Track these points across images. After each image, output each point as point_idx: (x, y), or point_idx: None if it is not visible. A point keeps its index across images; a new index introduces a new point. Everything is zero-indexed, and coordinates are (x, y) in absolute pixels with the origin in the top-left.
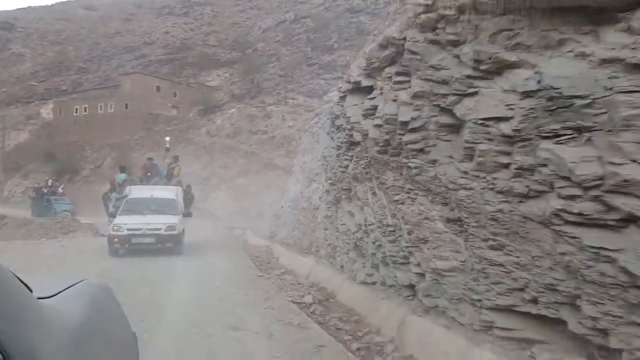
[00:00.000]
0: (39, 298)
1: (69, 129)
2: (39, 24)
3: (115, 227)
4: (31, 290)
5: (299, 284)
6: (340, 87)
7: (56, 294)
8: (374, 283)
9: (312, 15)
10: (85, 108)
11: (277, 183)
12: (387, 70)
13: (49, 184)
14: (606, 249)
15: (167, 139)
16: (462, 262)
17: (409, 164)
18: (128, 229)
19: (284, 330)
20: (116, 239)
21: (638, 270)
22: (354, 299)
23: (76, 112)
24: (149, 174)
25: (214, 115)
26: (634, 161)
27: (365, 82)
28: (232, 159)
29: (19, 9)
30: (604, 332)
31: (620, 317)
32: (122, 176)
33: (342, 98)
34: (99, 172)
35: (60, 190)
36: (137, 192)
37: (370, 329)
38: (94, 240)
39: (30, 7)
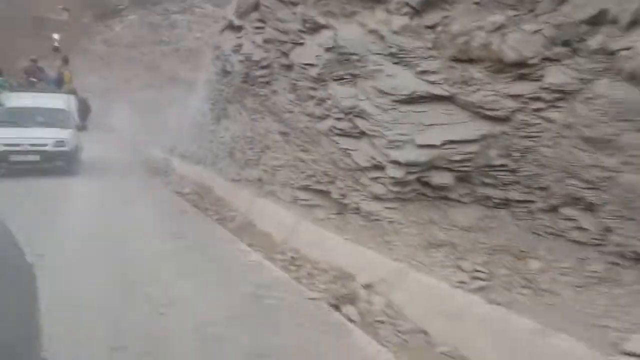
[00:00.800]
0: None
1: None
2: None
3: None
4: None
5: (183, 180)
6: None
7: None
8: (239, 180)
9: None
10: None
11: (181, 98)
12: (251, 15)
13: None
14: (349, 149)
15: (56, 36)
16: (287, 160)
17: (260, 93)
18: (4, 145)
19: (164, 206)
20: None
21: (360, 160)
22: (225, 191)
23: None
24: (32, 79)
25: (111, 22)
26: (368, 99)
27: (237, 22)
28: (133, 72)
29: None
30: (344, 195)
31: (350, 186)
32: None
33: (221, 32)
34: None
35: None
36: (16, 100)
37: (230, 208)
38: None
39: None
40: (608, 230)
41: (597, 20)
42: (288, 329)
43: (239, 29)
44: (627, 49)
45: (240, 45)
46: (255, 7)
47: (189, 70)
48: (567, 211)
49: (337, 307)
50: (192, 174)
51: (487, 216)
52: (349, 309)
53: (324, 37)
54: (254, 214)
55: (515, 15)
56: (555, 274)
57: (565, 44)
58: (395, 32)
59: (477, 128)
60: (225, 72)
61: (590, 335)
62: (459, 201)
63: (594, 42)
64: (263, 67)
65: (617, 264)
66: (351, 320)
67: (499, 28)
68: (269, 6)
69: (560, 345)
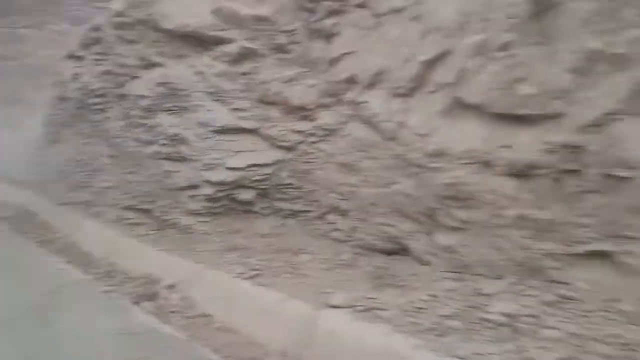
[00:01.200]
0: None
1: None
2: None
3: None
4: None
5: (5, 205)
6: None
7: None
8: (68, 203)
9: None
10: None
11: (19, 119)
12: (94, 47)
13: None
14: (172, 171)
15: None
16: (115, 182)
17: (94, 119)
18: None
19: None
20: None
21: (180, 180)
22: (51, 214)
23: None
24: None
25: None
26: (190, 128)
27: (79, 53)
28: None
29: None
30: (165, 212)
31: (171, 203)
32: None
33: (63, 59)
34: None
35: None
36: None
37: (54, 231)
38: None
39: None
40: (354, 229)
41: (350, 80)
42: (78, 311)
43: (79, 58)
44: (365, 102)
45: (79, 74)
46: (98, 40)
47: (32, 89)
48: (330, 217)
49: (137, 304)
50: (18, 199)
51: (281, 224)
52: (146, 304)
53: (157, 73)
54: (78, 235)
55: (301, 72)
56: (315, 264)
57: (332, 95)
58: (216, 75)
59: (272, 155)
60: (63, 98)
61: (315, 299)
62: (260, 213)
63: (348, 95)
64: (98, 96)
65: (359, 254)
66: (148, 312)
67: (289, 80)
68: (109, 42)
69: (292, 307)
